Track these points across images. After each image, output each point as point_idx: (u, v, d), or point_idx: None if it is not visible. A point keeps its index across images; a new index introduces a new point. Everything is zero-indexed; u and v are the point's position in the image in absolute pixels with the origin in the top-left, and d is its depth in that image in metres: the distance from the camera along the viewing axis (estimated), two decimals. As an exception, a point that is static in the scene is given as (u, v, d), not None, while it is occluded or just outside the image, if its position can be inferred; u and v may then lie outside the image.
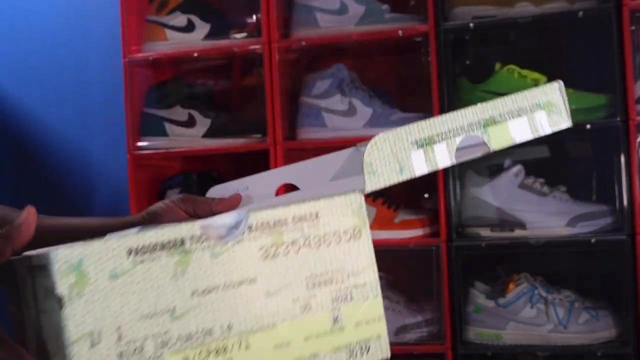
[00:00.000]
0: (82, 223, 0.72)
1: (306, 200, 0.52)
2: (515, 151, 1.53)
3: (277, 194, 0.66)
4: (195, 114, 1.74)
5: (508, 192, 1.52)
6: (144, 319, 0.43)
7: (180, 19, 1.72)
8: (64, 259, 0.41)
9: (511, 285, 1.50)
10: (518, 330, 1.48)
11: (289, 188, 0.67)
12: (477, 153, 0.57)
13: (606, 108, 1.48)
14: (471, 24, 1.52)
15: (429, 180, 1.57)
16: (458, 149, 0.55)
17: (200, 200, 0.66)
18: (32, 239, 0.54)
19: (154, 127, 1.74)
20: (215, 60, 1.80)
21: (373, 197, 1.57)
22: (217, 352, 0.45)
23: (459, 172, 1.57)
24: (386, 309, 1.54)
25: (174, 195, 0.70)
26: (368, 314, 0.51)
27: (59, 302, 0.40)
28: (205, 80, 1.89)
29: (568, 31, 1.65)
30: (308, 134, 1.64)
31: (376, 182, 0.53)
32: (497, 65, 1.55)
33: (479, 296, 1.52)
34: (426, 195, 1.66)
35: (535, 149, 1.60)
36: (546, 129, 0.60)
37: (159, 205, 0.67)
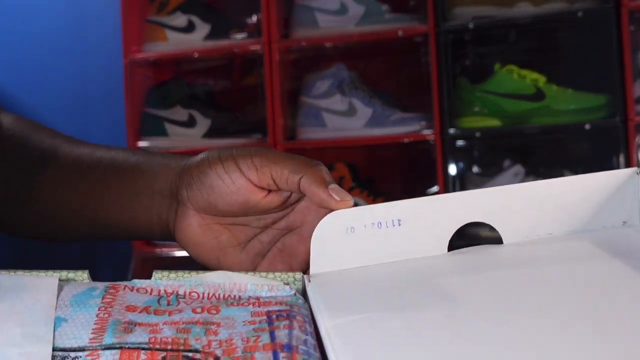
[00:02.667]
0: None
1: None
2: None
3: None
4: (196, 114, 1.74)
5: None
6: None
7: (180, 20, 1.72)
8: None
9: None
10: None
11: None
12: None
13: (605, 108, 1.49)
14: (471, 24, 1.53)
15: (429, 181, 1.57)
16: None
17: (312, 181, 0.41)
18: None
19: (154, 127, 1.75)
20: (215, 60, 1.81)
21: (373, 198, 1.57)
22: None
23: (459, 172, 1.58)
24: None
25: (238, 152, 0.44)
26: None
27: None
28: (205, 80, 1.90)
29: (567, 31, 1.65)
30: (308, 134, 1.65)
31: None
32: (497, 65, 1.56)
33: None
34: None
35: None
36: None
37: (214, 173, 0.43)
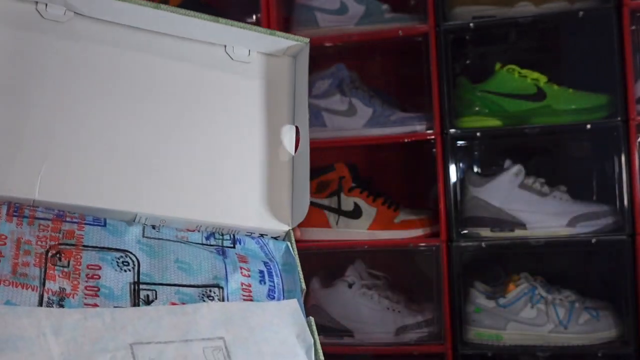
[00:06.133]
0: None
1: None
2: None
3: None
4: (195, 114, 1.74)
5: (508, 192, 1.52)
6: None
7: (180, 19, 1.72)
8: None
9: (511, 286, 1.50)
10: (518, 330, 1.48)
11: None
12: None
13: (606, 108, 1.48)
14: (471, 24, 1.52)
15: (430, 181, 1.57)
16: None
17: None
18: None
19: (153, 127, 1.74)
20: (215, 60, 1.80)
21: (373, 198, 1.57)
22: None
23: (459, 172, 1.57)
24: (386, 309, 1.55)
25: None
26: None
27: None
28: (205, 80, 1.89)
29: (568, 31, 1.65)
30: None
31: None
32: (497, 65, 1.55)
33: (478, 296, 1.52)
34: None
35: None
36: None
37: None
